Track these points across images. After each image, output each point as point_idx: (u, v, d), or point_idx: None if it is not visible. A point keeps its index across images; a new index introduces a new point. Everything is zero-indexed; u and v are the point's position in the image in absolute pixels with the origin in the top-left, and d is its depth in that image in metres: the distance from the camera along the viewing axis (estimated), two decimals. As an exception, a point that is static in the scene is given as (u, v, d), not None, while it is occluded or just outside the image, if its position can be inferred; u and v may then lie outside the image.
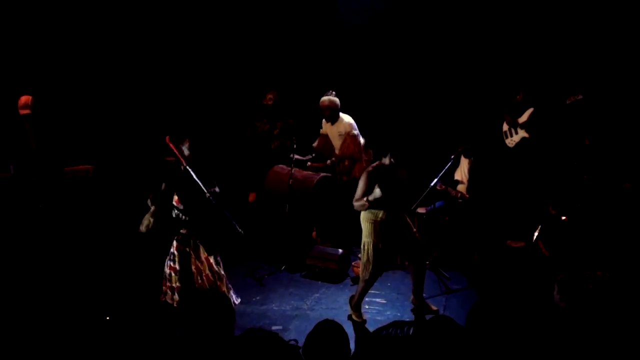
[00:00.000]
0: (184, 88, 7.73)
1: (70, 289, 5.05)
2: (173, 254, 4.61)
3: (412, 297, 4.83)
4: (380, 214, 4.42)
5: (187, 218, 4.61)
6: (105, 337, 4.21)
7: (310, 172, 6.03)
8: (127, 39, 7.45)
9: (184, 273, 4.57)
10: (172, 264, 4.61)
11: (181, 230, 4.61)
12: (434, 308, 4.77)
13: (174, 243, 4.60)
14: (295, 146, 5.93)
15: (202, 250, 4.62)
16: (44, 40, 7.08)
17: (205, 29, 7.60)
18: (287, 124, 6.71)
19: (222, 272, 4.74)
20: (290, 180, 5.76)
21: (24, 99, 5.94)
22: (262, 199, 6.65)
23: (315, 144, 6.25)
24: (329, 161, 6.04)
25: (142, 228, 4.58)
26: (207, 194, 4.46)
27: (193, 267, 4.59)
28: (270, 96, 6.74)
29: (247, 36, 7.58)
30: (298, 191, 5.83)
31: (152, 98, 7.62)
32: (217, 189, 4.64)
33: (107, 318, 4.41)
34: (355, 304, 4.63)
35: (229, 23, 7.59)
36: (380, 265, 4.48)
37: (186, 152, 4.61)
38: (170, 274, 4.61)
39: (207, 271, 4.63)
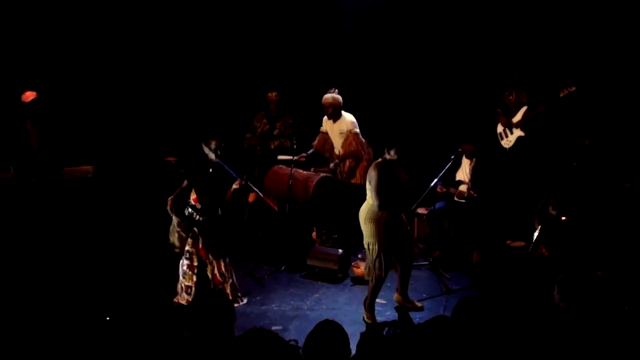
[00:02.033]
0: (183, 88, 7.74)
1: (70, 289, 5.05)
2: (189, 251, 4.64)
3: (396, 295, 4.83)
4: (384, 214, 4.41)
5: (201, 219, 4.64)
6: (105, 338, 4.21)
7: (310, 172, 6.02)
8: (127, 39, 7.46)
9: (202, 269, 4.62)
10: (188, 262, 4.64)
11: (194, 229, 4.66)
12: (419, 305, 4.75)
13: (189, 240, 4.63)
14: (295, 147, 5.92)
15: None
16: (45, 41, 7.09)
17: (205, 29, 7.60)
18: (286, 124, 6.69)
19: (231, 274, 4.77)
20: (290, 181, 5.76)
21: (29, 92, 5.98)
22: (262, 199, 6.64)
23: (314, 142, 6.24)
24: (332, 165, 6.01)
25: (177, 243, 4.64)
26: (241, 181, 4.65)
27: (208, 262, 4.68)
28: (271, 96, 6.72)
29: (246, 36, 7.58)
30: (298, 191, 5.83)
31: (151, 98, 7.63)
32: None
33: (107, 318, 4.41)
34: (369, 305, 4.61)
35: (228, 22, 7.58)
36: (389, 263, 4.47)
37: (211, 154, 4.65)
38: (185, 272, 4.64)
39: (216, 271, 4.68)
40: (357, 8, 7.07)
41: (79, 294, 4.95)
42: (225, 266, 4.74)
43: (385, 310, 4.80)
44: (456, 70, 6.81)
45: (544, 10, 6.31)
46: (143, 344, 4.05)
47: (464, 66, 6.77)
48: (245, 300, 4.94)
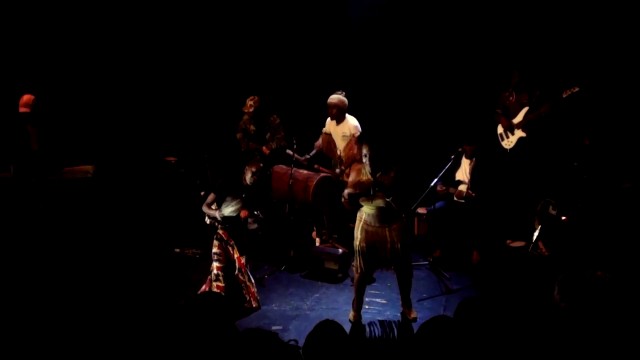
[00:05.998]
0: (182, 88, 7.73)
1: (71, 289, 5.05)
2: (216, 253, 4.64)
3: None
4: (360, 214, 4.45)
5: (222, 226, 4.70)
6: (107, 338, 4.22)
7: (310, 172, 6.02)
8: (126, 40, 7.46)
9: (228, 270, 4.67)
10: (218, 264, 4.64)
11: (218, 230, 4.69)
12: (412, 316, 4.61)
13: (215, 242, 4.66)
14: (295, 146, 5.91)
15: (235, 250, 4.70)
16: (45, 40, 7.09)
17: (203, 29, 7.60)
18: (274, 125, 6.56)
19: (249, 273, 4.80)
20: (290, 181, 5.76)
21: (26, 97, 5.97)
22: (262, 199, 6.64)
23: (317, 142, 6.21)
24: (337, 170, 5.97)
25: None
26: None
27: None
28: (250, 103, 6.48)
29: (242, 36, 7.58)
30: (298, 191, 5.83)
31: (151, 98, 7.63)
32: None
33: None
34: (353, 302, 4.62)
35: (225, 21, 7.58)
36: (368, 261, 4.41)
37: (249, 177, 4.67)
38: (218, 275, 4.63)
39: (237, 271, 4.68)
40: (361, 9, 7.07)
41: (80, 294, 4.96)
42: (246, 264, 4.77)
43: (385, 310, 4.80)
44: (457, 71, 6.81)
45: (543, 10, 6.31)
46: (144, 344, 4.05)
47: (464, 67, 6.76)
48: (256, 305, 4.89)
